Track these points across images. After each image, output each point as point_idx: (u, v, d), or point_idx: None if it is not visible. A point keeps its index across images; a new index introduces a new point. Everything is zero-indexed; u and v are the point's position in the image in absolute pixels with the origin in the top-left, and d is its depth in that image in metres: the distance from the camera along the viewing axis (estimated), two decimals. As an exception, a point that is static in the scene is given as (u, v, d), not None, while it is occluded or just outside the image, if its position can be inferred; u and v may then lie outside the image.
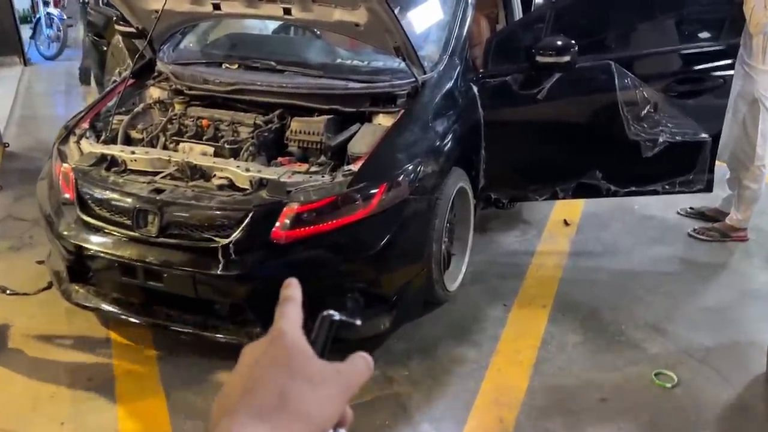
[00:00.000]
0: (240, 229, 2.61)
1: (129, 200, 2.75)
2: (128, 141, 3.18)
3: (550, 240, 3.95)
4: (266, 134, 3.06)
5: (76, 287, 2.99)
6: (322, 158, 2.93)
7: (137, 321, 2.85)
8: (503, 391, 2.72)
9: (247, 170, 2.75)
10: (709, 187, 3.54)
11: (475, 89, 3.38)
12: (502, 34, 3.82)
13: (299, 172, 2.78)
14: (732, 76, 3.38)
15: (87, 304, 2.94)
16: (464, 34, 3.43)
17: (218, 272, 2.60)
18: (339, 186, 2.67)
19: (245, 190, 2.73)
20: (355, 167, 2.76)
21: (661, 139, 3.39)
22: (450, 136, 3.16)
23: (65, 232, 2.88)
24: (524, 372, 2.83)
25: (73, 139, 3.15)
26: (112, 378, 2.81)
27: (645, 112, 3.39)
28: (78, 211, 2.88)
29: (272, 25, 4.10)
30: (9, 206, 4.32)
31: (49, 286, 3.24)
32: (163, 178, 2.84)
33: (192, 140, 3.13)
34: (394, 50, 2.98)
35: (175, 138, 3.16)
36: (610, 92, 3.34)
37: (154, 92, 3.51)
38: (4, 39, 7.93)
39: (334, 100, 3.11)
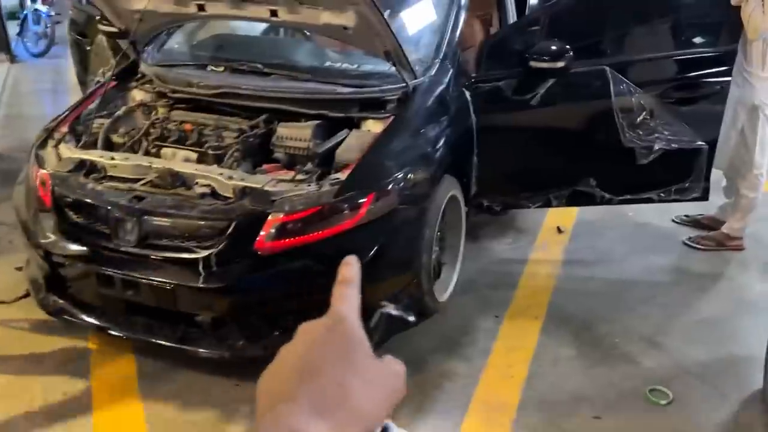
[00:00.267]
0: (222, 239, 2.52)
1: (107, 208, 2.66)
2: (109, 146, 3.08)
3: (544, 248, 3.87)
4: (251, 140, 2.97)
5: (54, 297, 2.89)
6: (309, 166, 2.83)
7: (115, 333, 2.76)
8: (493, 407, 2.64)
9: (230, 178, 2.65)
10: (705, 196, 3.47)
11: (468, 94, 3.30)
12: (495, 38, 3.73)
13: (284, 181, 2.69)
14: (729, 82, 3.30)
15: (64, 316, 2.84)
16: (456, 37, 3.34)
17: (199, 285, 2.51)
18: (325, 195, 2.58)
19: (228, 198, 2.64)
20: (342, 175, 2.67)
21: (656, 147, 3.31)
22: (441, 143, 3.07)
23: (42, 240, 2.78)
24: (515, 387, 2.75)
25: (51, 143, 3.04)
26: (89, 393, 2.71)
27: (640, 118, 3.32)
28: (55, 218, 2.78)
29: (261, 26, 4.00)
30: (-12, 209, 4.21)
31: (27, 294, 3.14)
32: (143, 185, 2.74)
33: (175, 145, 3.04)
34: (384, 54, 2.89)
35: (157, 143, 3.06)
36: (604, 98, 3.26)
37: (138, 95, 3.40)
38: (-10, 36, 7.81)
39: (321, 105, 3.02)
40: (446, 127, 3.13)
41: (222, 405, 2.64)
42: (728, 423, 2.61)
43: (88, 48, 4.74)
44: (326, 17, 2.81)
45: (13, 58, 8.11)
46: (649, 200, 3.53)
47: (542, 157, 3.45)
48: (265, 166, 2.88)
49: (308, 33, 3.76)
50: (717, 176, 3.83)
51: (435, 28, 3.39)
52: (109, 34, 3.88)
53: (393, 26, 3.14)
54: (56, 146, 3.01)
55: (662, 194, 3.48)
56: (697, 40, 3.39)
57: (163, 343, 2.69)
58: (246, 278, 2.55)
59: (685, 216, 4.16)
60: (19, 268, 3.36)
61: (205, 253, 2.52)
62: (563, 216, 4.14)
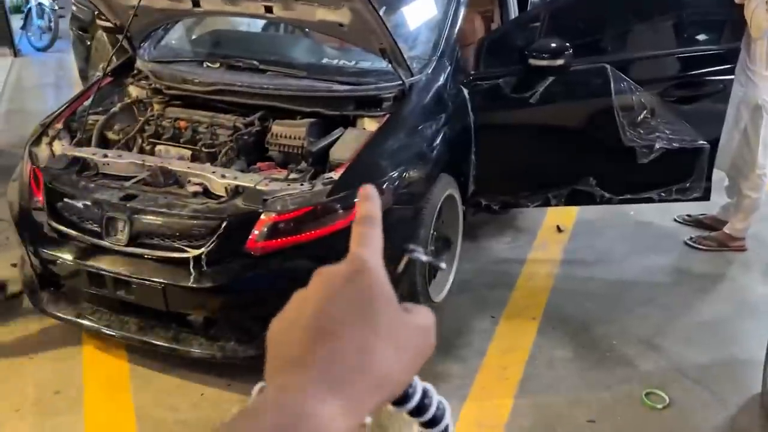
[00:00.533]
0: (213, 239, 2.50)
1: (99, 206, 2.64)
2: (104, 142, 3.06)
3: (542, 247, 3.83)
4: (246, 137, 2.94)
5: (46, 295, 2.88)
6: (303, 164, 2.81)
7: (107, 333, 2.74)
8: (487, 410, 2.61)
9: (223, 176, 2.63)
10: (706, 196, 3.41)
11: (466, 92, 3.26)
12: (494, 35, 3.68)
13: (277, 179, 2.66)
14: (732, 81, 3.24)
15: (56, 314, 2.83)
16: (455, 34, 3.30)
17: (189, 284, 2.48)
18: (318, 195, 2.55)
19: (220, 197, 2.61)
20: (336, 175, 2.63)
21: (657, 146, 3.26)
22: (438, 142, 3.03)
23: (33, 238, 2.77)
24: (510, 390, 2.71)
25: (45, 139, 3.02)
26: (81, 391, 2.70)
27: (641, 117, 3.26)
28: (47, 216, 2.76)
29: (261, 22, 3.97)
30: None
31: (22, 291, 3.13)
32: (135, 183, 2.72)
33: (169, 143, 3.02)
34: (379, 51, 2.85)
35: (152, 140, 3.04)
36: (605, 96, 3.21)
37: (133, 91, 3.38)
38: (-7, 30, 7.81)
39: (317, 102, 2.99)
40: (443, 125, 3.09)
41: (214, 405, 2.62)
42: (725, 428, 2.57)
43: (89, 43, 4.72)
44: (321, 14, 2.77)
45: (16, 52, 8.11)
46: (650, 200, 3.48)
47: (541, 156, 3.41)
48: (258, 165, 2.85)
49: (307, 29, 3.73)
50: (720, 176, 3.78)
51: (433, 25, 3.35)
52: (107, 30, 3.86)
53: (390, 23, 3.10)
54: (50, 143, 3.00)
55: (663, 194, 3.43)
56: (699, 37, 3.32)
57: (156, 342, 2.67)
58: (237, 278, 2.51)
59: (687, 216, 4.11)
60: (15, 265, 3.35)
61: (195, 252, 2.49)
62: (563, 215, 4.09)
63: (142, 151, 3.01)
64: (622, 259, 3.74)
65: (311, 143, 2.87)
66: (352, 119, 2.97)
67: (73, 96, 3.40)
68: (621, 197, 3.47)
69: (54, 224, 2.74)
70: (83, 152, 2.86)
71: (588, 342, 3.02)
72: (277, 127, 2.94)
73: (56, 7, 8.38)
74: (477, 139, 3.29)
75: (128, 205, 2.59)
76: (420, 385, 0.49)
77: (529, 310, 3.24)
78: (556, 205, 3.52)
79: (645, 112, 3.26)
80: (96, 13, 3.95)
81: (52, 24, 8.33)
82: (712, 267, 3.68)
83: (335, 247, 2.43)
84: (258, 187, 2.56)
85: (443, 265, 0.58)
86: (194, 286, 2.48)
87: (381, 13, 2.68)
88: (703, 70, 3.28)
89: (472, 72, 3.33)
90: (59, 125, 3.09)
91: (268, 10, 2.86)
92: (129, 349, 2.89)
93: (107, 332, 2.75)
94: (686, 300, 3.37)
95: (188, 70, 3.25)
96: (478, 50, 3.36)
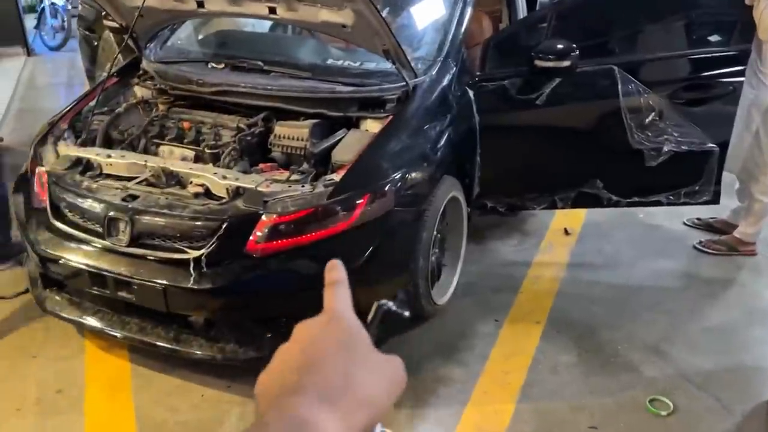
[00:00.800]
0: (213, 240, 2.49)
1: (100, 207, 2.64)
2: (108, 142, 3.07)
3: (549, 250, 3.80)
4: (249, 138, 2.93)
5: (49, 294, 2.89)
6: (305, 166, 2.79)
7: (109, 333, 2.74)
8: (487, 416, 2.58)
9: (224, 177, 2.62)
10: (715, 199, 3.36)
11: (471, 93, 3.23)
12: (500, 36, 3.65)
13: (279, 181, 2.65)
14: (742, 83, 3.18)
15: (59, 313, 2.84)
16: (460, 35, 3.27)
17: (189, 285, 2.47)
18: (319, 197, 2.53)
19: (222, 198, 2.61)
20: (337, 176, 2.62)
21: (665, 148, 3.22)
22: (442, 143, 3.01)
23: (37, 238, 2.78)
24: (512, 395, 2.68)
25: (51, 139, 3.04)
26: (83, 391, 2.70)
27: (649, 119, 3.22)
28: (50, 216, 2.77)
29: (267, 23, 3.96)
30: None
31: (28, 290, 3.15)
32: (138, 183, 2.72)
33: (172, 143, 3.02)
34: (383, 52, 2.83)
35: (156, 141, 3.05)
36: (612, 98, 3.17)
37: (139, 91, 3.39)
38: (7, 29, 7.87)
39: (320, 103, 2.97)
40: (447, 126, 3.06)
41: (213, 407, 2.62)
42: (730, 436, 2.53)
43: (96, 43, 4.74)
44: (324, 15, 2.76)
45: (30, 52, 8.18)
46: (658, 203, 3.43)
47: (547, 158, 3.37)
48: (261, 166, 2.84)
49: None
50: (731, 179, 3.73)
51: (438, 26, 3.32)
52: (113, 30, 3.86)
53: (394, 24, 3.09)
54: (55, 143, 3.01)
55: (671, 197, 3.38)
56: (709, 39, 3.27)
57: (156, 343, 2.66)
58: (237, 280, 2.50)
59: (697, 219, 4.05)
60: (21, 263, 3.38)
61: (196, 253, 2.49)
62: (571, 217, 4.06)
63: (146, 151, 3.01)
64: (629, 262, 3.70)
65: (314, 144, 2.86)
66: (355, 120, 2.96)
67: (78, 96, 3.41)
68: (628, 200, 3.42)
69: (57, 224, 2.74)
70: (86, 152, 2.87)
71: (593, 347, 2.98)
72: (280, 128, 2.94)
73: (69, 7, 8.45)
74: (482, 140, 3.26)
75: (130, 205, 2.59)
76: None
77: (534, 314, 3.20)
78: (563, 207, 3.48)
79: (653, 114, 3.22)
80: (103, 13, 3.97)
81: (65, 23, 8.40)
82: (722, 272, 3.63)
83: (336, 249, 2.43)
84: (259, 189, 2.55)
85: (407, 313, 0.61)
86: (194, 287, 2.47)
87: (384, 14, 2.67)
88: (713, 72, 3.24)
89: (478, 73, 3.30)
90: (64, 125, 3.11)
91: (272, 11, 2.85)
92: (131, 350, 2.89)
93: (109, 332, 2.75)
94: (694, 305, 3.32)
95: (193, 71, 3.24)
96: (483, 51, 3.33)
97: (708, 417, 2.59)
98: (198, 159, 2.93)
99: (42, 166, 2.90)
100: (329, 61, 3.31)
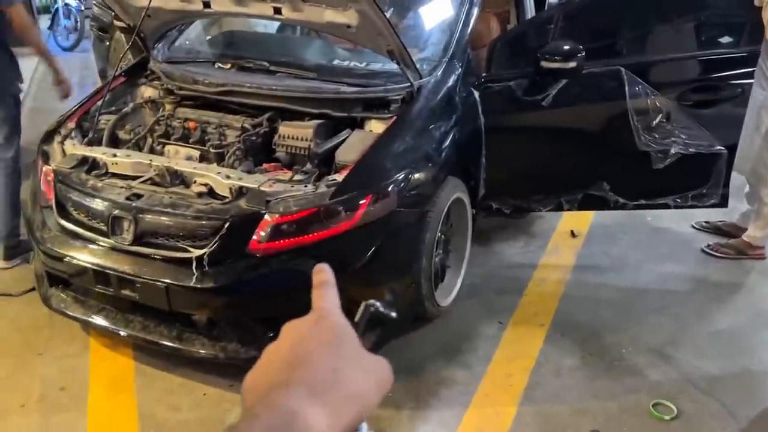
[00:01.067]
0: (216, 239, 2.50)
1: (105, 205, 2.66)
2: (115, 142, 3.09)
3: (555, 252, 3.78)
4: (253, 138, 2.94)
5: (55, 292, 2.91)
6: (308, 166, 2.80)
7: (114, 331, 2.76)
8: (489, 418, 2.57)
9: (228, 177, 2.63)
10: (723, 202, 3.33)
11: (476, 94, 3.22)
12: (506, 37, 3.63)
13: (282, 181, 2.65)
14: (751, 84, 3.15)
15: (64, 311, 2.86)
16: (466, 36, 3.27)
17: (191, 284, 2.48)
18: (321, 197, 2.53)
19: (225, 198, 2.62)
20: (339, 176, 2.62)
21: (673, 151, 3.19)
22: (446, 144, 3.01)
23: (43, 236, 2.80)
24: (514, 398, 2.67)
25: (58, 138, 3.06)
26: (86, 389, 2.72)
27: (656, 121, 3.19)
28: (56, 214, 2.79)
29: (275, 23, 3.97)
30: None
31: (34, 288, 3.18)
32: (142, 183, 2.73)
33: (178, 143, 3.04)
34: (387, 53, 2.83)
35: (162, 140, 3.06)
36: (619, 100, 3.15)
37: (146, 91, 3.41)
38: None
39: (325, 104, 2.98)
40: (452, 127, 3.06)
41: (215, 406, 2.62)
42: (735, 442, 2.50)
43: (108, 43, 4.78)
44: (329, 15, 2.76)
45: (43, 52, 8.23)
46: (665, 206, 3.40)
47: (553, 160, 3.36)
48: (265, 166, 2.85)
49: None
50: (740, 182, 3.69)
51: (444, 27, 3.32)
52: (123, 30, 3.89)
53: (399, 24, 3.09)
54: (62, 142, 3.03)
55: (678, 200, 3.35)
56: (718, 40, 3.24)
57: (160, 342, 2.68)
58: (239, 279, 2.51)
59: (706, 222, 4.02)
60: (28, 261, 3.41)
61: (198, 252, 2.50)
62: (579, 219, 4.04)
63: (152, 151, 3.03)
64: (636, 265, 3.67)
65: (318, 145, 2.86)
66: (359, 121, 2.96)
67: (86, 95, 3.44)
68: (635, 203, 3.40)
69: (62, 222, 2.77)
70: (92, 151, 2.89)
71: (597, 350, 2.96)
72: (285, 129, 2.94)
73: (83, 8, 8.52)
74: (488, 141, 3.25)
75: (133, 204, 2.60)
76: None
77: (538, 317, 3.19)
78: (569, 209, 3.46)
79: (660, 116, 3.19)
80: (113, 14, 4.00)
81: (79, 24, 8.47)
82: (729, 275, 3.59)
83: (338, 249, 2.42)
84: (262, 188, 2.55)
85: (394, 314, 0.62)
86: (196, 286, 2.48)
87: (389, 14, 2.67)
88: (721, 74, 3.20)
89: (484, 74, 3.29)
90: (71, 124, 3.13)
91: (277, 11, 2.85)
92: (135, 348, 2.90)
93: (113, 330, 2.76)
94: (701, 309, 3.29)
95: (199, 71, 3.26)
96: (489, 52, 3.32)
97: (712, 422, 2.57)
98: (203, 159, 2.95)
99: (48, 164, 2.93)
100: (335, 62, 3.32)
